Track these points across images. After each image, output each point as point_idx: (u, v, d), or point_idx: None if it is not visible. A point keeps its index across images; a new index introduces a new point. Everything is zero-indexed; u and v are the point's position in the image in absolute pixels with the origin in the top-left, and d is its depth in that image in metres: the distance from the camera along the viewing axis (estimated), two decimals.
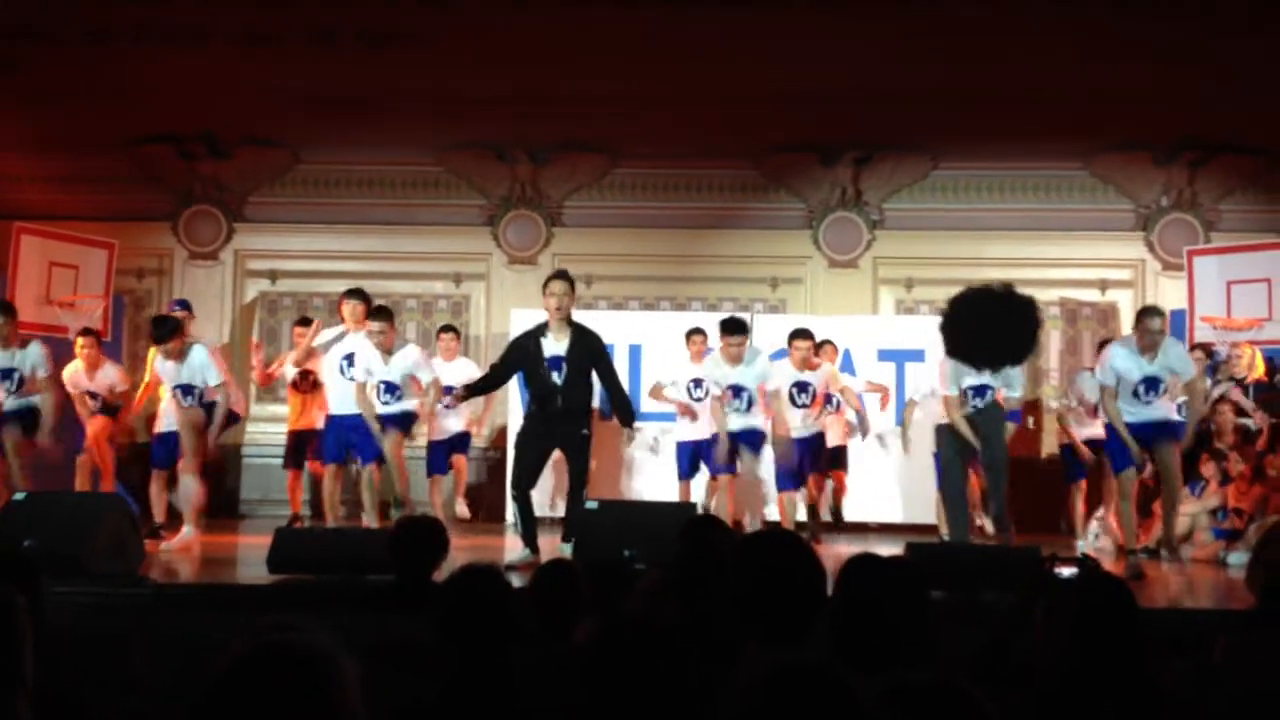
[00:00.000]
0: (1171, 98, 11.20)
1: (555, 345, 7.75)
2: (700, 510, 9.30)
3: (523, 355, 7.87)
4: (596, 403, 8.20)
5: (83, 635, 3.84)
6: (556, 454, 8.19)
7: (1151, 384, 7.76)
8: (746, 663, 2.02)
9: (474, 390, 8.38)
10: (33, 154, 11.99)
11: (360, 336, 8.62)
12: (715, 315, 11.58)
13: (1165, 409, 7.89)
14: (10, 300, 10.10)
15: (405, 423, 8.71)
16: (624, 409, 8.04)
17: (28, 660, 2.16)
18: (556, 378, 7.70)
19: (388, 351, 8.51)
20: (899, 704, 1.85)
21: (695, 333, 9.97)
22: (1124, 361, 7.80)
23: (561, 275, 8.00)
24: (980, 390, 8.03)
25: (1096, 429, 9.04)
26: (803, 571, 2.90)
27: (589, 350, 7.80)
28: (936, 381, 8.49)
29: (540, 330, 7.84)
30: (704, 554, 3.71)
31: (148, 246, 12.28)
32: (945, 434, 8.25)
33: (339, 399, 8.68)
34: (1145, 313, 7.96)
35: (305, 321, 10.26)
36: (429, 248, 12.37)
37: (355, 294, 8.91)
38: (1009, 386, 8.10)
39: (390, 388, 8.55)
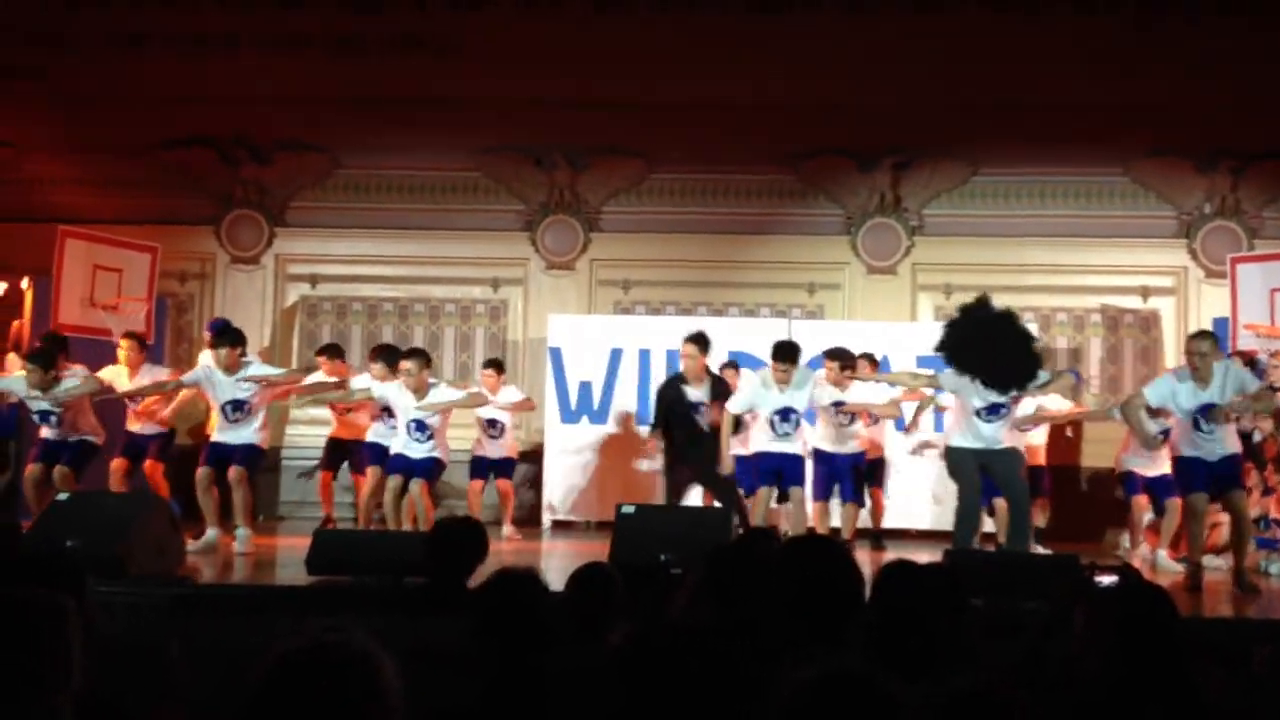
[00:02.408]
0: (1212, 104, 11.12)
1: (696, 392, 8.94)
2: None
3: (673, 400, 9.00)
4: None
5: (121, 635, 3.86)
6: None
7: (1207, 412, 7.62)
8: (790, 670, 2.02)
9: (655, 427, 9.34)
10: (76, 158, 12.12)
11: (391, 387, 9.06)
12: (752, 321, 11.61)
13: (1230, 442, 7.74)
14: (55, 303, 10.27)
15: (434, 472, 9.02)
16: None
17: (77, 663, 2.18)
18: (701, 421, 8.89)
19: (417, 392, 8.85)
20: (947, 711, 1.84)
21: (727, 367, 9.89)
22: (1177, 392, 7.67)
23: (692, 339, 8.99)
24: (994, 409, 7.84)
25: (1156, 468, 8.91)
26: (841, 576, 2.89)
27: (721, 395, 8.89)
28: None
29: (680, 379, 9.04)
30: (746, 559, 3.71)
31: (190, 250, 12.38)
32: (955, 454, 8.03)
33: (404, 442, 9.00)
34: (1192, 336, 7.93)
35: (331, 350, 10.32)
36: (467, 252, 12.40)
37: (382, 355, 9.41)
38: (1037, 390, 8.05)
39: (421, 426, 8.85)
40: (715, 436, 8.79)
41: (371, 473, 9.27)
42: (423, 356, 9.07)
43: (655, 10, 11.46)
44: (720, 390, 8.95)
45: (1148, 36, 10.90)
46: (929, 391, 9.13)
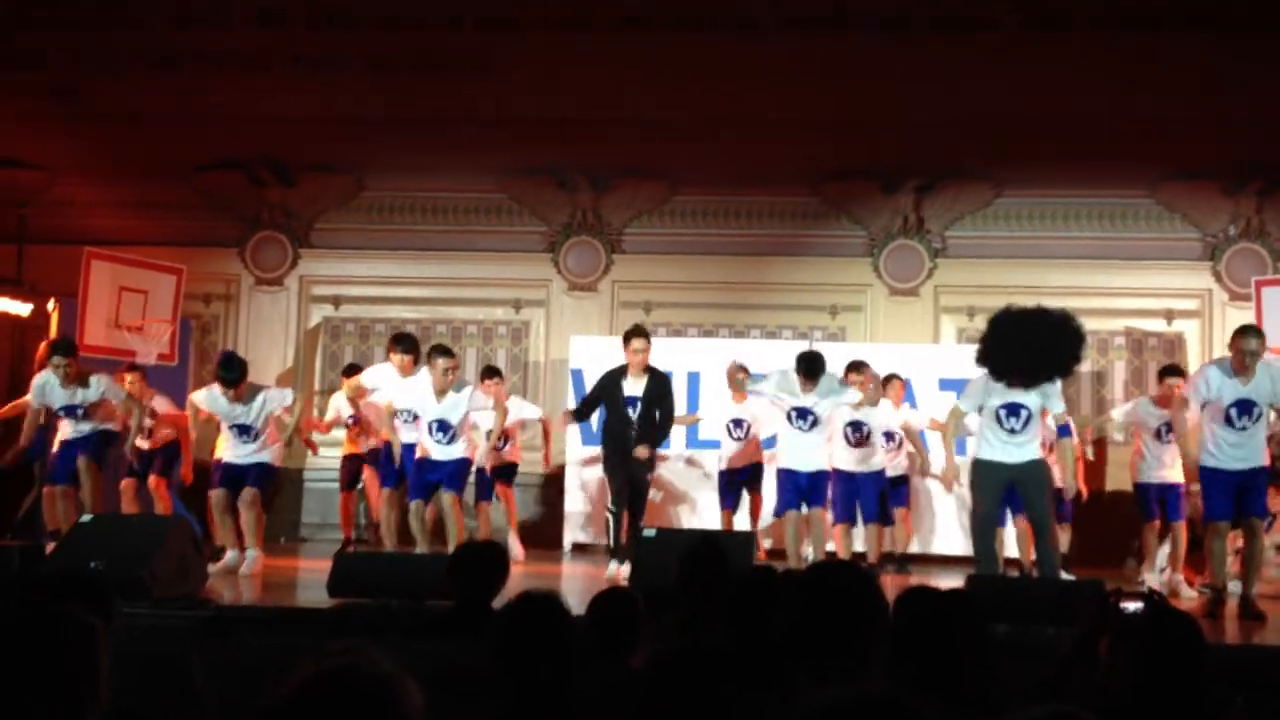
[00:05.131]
0: (1238, 126, 11.08)
1: (633, 387, 8.96)
2: (758, 541, 9.24)
3: (608, 391, 9.03)
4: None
5: (145, 656, 3.88)
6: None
7: (1245, 408, 7.45)
8: (806, 696, 2.01)
9: (577, 415, 9.50)
10: (102, 179, 12.22)
11: (412, 380, 8.70)
12: (774, 343, 11.60)
13: (1261, 452, 7.58)
14: (80, 324, 10.32)
15: (460, 477, 8.72)
16: (653, 432, 9.07)
17: (105, 682, 2.19)
18: (631, 414, 8.92)
19: (442, 392, 8.54)
20: None
21: (739, 370, 9.88)
22: (1218, 382, 7.48)
23: (640, 332, 9.10)
24: (1014, 409, 7.58)
25: (1166, 474, 8.85)
26: (866, 600, 2.88)
27: (659, 392, 8.99)
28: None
29: (621, 372, 9.00)
30: (708, 581, 3.73)
31: (215, 272, 12.46)
32: (981, 468, 7.79)
33: (428, 446, 8.74)
34: (1241, 331, 7.62)
35: (353, 369, 10.39)
36: (490, 274, 12.45)
37: (403, 343, 8.91)
38: (1048, 400, 7.79)
39: (444, 426, 8.57)
40: (645, 429, 8.91)
41: (389, 493, 9.00)
42: (451, 355, 8.71)
43: (678, 31, 11.49)
44: (658, 389, 8.98)
45: (1173, 58, 10.87)
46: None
